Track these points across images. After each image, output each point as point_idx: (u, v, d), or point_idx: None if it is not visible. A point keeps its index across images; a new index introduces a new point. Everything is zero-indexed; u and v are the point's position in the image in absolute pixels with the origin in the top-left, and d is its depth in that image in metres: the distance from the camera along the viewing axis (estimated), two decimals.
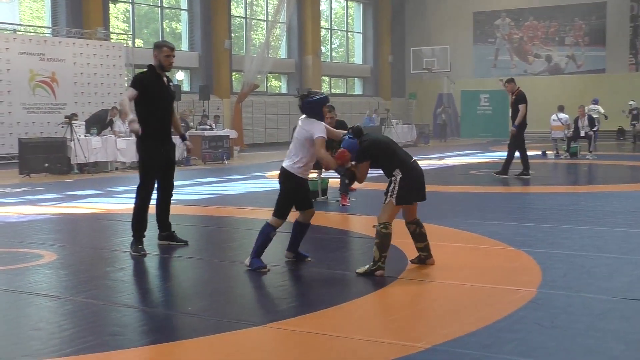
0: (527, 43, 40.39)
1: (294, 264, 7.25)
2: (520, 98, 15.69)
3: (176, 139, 8.44)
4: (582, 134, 22.21)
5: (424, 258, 7.02)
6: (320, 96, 6.94)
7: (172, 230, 8.38)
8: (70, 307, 5.82)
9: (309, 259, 7.33)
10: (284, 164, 6.99)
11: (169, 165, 8.22)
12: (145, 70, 8.25)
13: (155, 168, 8.02)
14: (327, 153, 6.84)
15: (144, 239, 7.89)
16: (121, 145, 19.71)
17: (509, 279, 6.43)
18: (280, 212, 7.04)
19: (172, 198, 8.40)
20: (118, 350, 4.74)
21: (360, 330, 5.04)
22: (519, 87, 15.95)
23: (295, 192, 7.03)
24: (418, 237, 7.00)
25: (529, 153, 16.24)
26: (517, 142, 15.65)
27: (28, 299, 6.00)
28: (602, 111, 25.51)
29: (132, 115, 7.72)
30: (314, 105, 6.90)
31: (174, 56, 8.12)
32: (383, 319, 5.35)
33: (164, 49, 8.07)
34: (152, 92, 7.90)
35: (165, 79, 8.12)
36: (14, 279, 6.77)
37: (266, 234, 7.03)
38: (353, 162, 6.90)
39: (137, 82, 7.95)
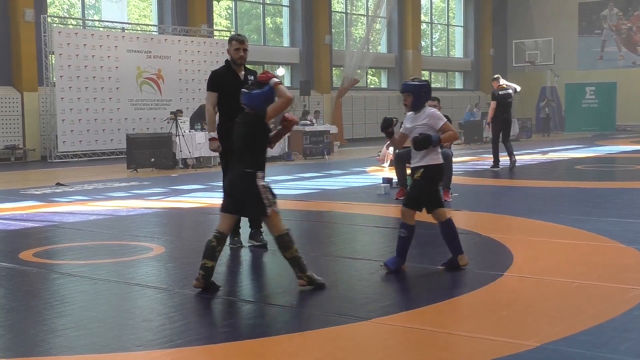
0: (636, 33, 39.05)
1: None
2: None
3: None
4: None
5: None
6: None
7: (260, 229, 8.02)
8: (179, 299, 5.96)
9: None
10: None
11: None
12: (222, 66, 8.11)
13: (224, 163, 7.92)
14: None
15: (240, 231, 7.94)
16: None
17: (620, 277, 6.24)
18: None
19: None
20: (226, 343, 4.83)
21: (466, 326, 4.98)
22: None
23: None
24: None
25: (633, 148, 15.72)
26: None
27: (139, 291, 6.18)
28: None
29: (212, 133, 7.84)
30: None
31: (244, 49, 7.79)
32: (489, 315, 5.27)
33: (232, 42, 7.86)
34: (225, 88, 7.80)
35: (242, 72, 7.88)
36: (125, 271, 6.98)
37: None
38: None
39: (212, 82, 7.92)
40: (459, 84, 40.79)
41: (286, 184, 14.59)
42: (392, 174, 12.78)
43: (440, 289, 6.14)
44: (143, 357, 4.54)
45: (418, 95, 6.72)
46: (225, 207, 6.15)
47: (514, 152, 16.30)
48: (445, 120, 6.83)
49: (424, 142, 6.56)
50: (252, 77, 7.80)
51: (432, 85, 34.30)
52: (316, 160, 21.50)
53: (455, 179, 12.03)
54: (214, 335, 4.97)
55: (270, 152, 21.24)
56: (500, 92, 16.45)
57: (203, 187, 14.26)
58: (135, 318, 5.43)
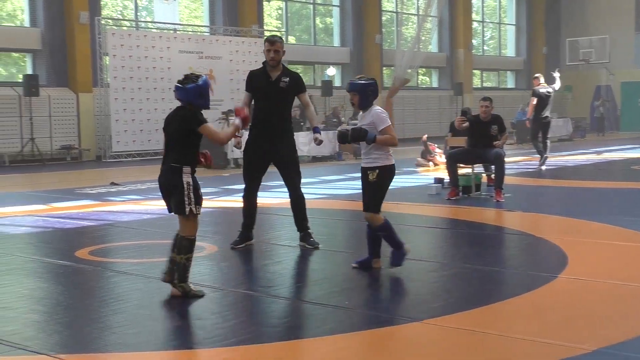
0: None
1: (450, 259, 7.17)
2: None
3: (298, 135, 8.18)
4: None
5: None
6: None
7: (308, 230, 7.99)
8: (232, 298, 6.01)
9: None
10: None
11: (281, 165, 7.95)
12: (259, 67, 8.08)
13: (253, 165, 7.93)
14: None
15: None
16: None
17: None
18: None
19: (301, 198, 7.99)
20: (278, 342, 4.85)
21: (520, 329, 4.93)
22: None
23: None
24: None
25: None
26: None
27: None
28: None
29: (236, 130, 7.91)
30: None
31: (275, 50, 7.72)
32: (544, 318, 5.20)
33: (265, 44, 7.87)
34: (257, 89, 7.85)
35: (277, 74, 7.81)
36: None
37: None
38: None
39: (246, 82, 7.99)
40: (510, 83, 40.36)
41: (337, 184, 14.60)
42: (444, 174, 12.69)
43: (492, 291, 6.09)
44: (196, 356, 4.60)
45: (365, 94, 6.66)
46: (168, 208, 6.06)
47: (546, 152, 16.42)
48: (389, 124, 6.65)
49: (357, 134, 6.55)
50: (287, 79, 7.74)
51: (484, 85, 33.84)
52: None
53: (507, 179, 11.91)
54: (266, 335, 5.00)
55: (321, 152, 21.41)
56: (541, 90, 16.59)
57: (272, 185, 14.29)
58: (188, 317, 5.49)
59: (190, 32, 25.54)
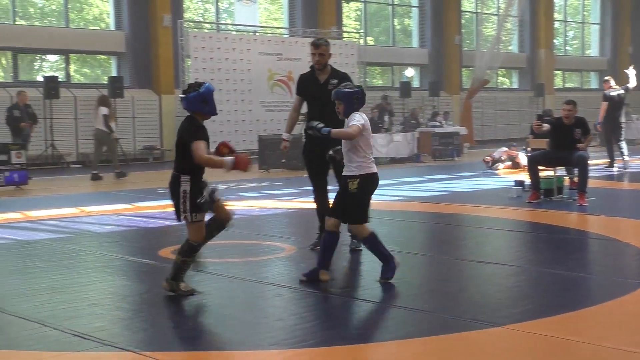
0: None
1: (530, 264, 7.08)
2: None
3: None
4: None
5: None
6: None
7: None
8: (312, 299, 6.05)
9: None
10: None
11: (335, 166, 7.77)
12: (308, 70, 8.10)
13: (314, 167, 7.89)
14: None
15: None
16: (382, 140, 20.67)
17: None
18: None
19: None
20: (358, 344, 4.87)
21: (607, 337, 4.81)
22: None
23: None
24: None
25: None
26: None
27: (272, 290, 6.30)
28: None
29: (285, 135, 8.07)
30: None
31: (320, 54, 7.70)
32: (632, 326, 5.08)
33: (310, 47, 7.84)
34: (306, 92, 7.93)
35: (325, 76, 7.80)
36: (260, 270, 7.14)
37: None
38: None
39: (297, 87, 8.09)
40: (594, 84, 39.43)
41: (415, 186, 14.55)
42: (525, 177, 12.50)
43: (576, 297, 5.98)
44: (277, 356, 4.64)
45: (350, 102, 6.51)
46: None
47: (625, 154, 16.55)
48: (358, 124, 6.39)
49: (312, 127, 6.56)
50: (335, 81, 7.68)
51: (566, 86, 33.04)
52: (445, 161, 21.31)
53: (591, 182, 11.66)
54: (345, 337, 5.02)
55: (400, 153, 21.27)
56: (610, 93, 16.70)
57: (334, 188, 14.35)
58: (269, 317, 5.55)
59: (269, 34, 25.77)
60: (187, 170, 5.88)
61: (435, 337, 4.91)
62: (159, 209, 11.55)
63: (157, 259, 7.57)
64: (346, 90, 6.59)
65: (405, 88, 26.48)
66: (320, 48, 7.74)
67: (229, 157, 5.91)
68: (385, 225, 8.43)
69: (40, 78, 21.83)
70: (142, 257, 7.71)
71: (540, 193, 11.56)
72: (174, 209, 5.97)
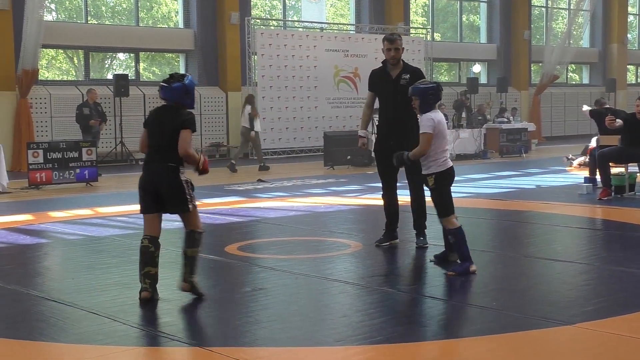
0: None
1: (602, 262, 6.93)
2: None
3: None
4: None
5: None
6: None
7: (424, 230, 7.87)
8: (378, 296, 6.02)
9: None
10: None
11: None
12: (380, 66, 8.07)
13: (384, 163, 7.78)
14: None
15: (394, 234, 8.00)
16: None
17: None
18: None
19: (421, 198, 7.80)
20: (424, 342, 4.83)
21: None
22: None
23: None
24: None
25: None
26: None
27: (338, 287, 6.28)
28: None
29: (361, 132, 8.02)
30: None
31: (394, 49, 7.68)
32: None
33: (384, 42, 7.81)
34: (379, 87, 7.89)
35: (397, 72, 7.74)
36: (325, 267, 7.13)
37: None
38: None
39: (368, 82, 8.06)
40: None
41: (482, 182, 14.38)
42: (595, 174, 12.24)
43: None
44: (343, 353, 4.62)
45: (425, 98, 6.64)
46: (145, 208, 5.91)
47: None
48: (426, 131, 6.60)
49: (398, 160, 6.86)
50: (407, 76, 7.64)
51: (639, 81, 32.28)
52: (513, 158, 21.01)
53: None
54: (412, 333, 4.98)
55: (465, 150, 21.11)
56: None
57: (399, 185, 14.28)
58: (334, 313, 5.54)
59: (336, 31, 25.76)
60: (181, 161, 5.81)
61: (505, 335, 4.83)
62: (226, 206, 11.65)
63: (223, 255, 7.64)
64: (421, 86, 6.75)
65: (473, 84, 26.18)
66: (395, 43, 7.74)
67: (201, 156, 5.90)
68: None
69: (110, 76, 22.25)
70: (208, 254, 7.76)
71: (611, 190, 11.32)
72: (167, 202, 5.83)
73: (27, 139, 17.69)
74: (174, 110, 5.86)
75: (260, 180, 15.30)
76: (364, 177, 16.07)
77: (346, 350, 4.64)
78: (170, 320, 5.33)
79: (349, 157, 18.60)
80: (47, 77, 22.02)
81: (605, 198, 11.15)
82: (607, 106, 13.95)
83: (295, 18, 26.51)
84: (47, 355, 4.80)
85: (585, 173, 13.18)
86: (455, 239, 6.64)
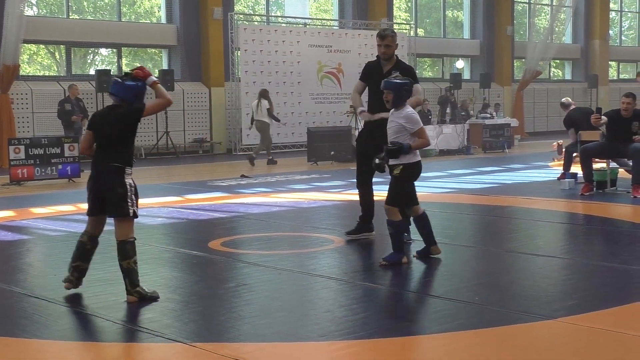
0: None
1: (583, 257, 6.97)
2: None
3: (427, 128, 8.25)
4: None
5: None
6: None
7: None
8: (361, 291, 6.03)
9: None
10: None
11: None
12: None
13: (363, 155, 7.92)
14: None
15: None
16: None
17: None
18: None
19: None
20: (407, 337, 4.84)
21: None
22: None
23: None
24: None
25: None
26: None
27: (322, 282, 6.29)
28: None
29: (360, 107, 8.14)
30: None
31: (386, 45, 7.76)
32: None
33: (376, 39, 7.91)
34: (370, 79, 7.96)
35: (389, 67, 7.79)
36: (308, 262, 7.13)
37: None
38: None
39: (362, 72, 8.19)
40: None
41: (465, 178, 14.42)
42: (577, 169, 12.32)
43: (630, 290, 5.85)
44: (326, 348, 4.63)
45: (399, 93, 6.78)
46: (91, 211, 5.82)
47: None
48: (421, 125, 6.84)
49: (397, 152, 6.69)
50: (397, 72, 7.58)
51: (621, 77, 32.38)
52: (496, 154, 21.09)
53: None
54: (395, 329, 4.99)
55: (448, 145, 21.17)
56: None
57: (381, 181, 14.31)
58: (317, 308, 5.54)
59: (319, 26, 25.75)
60: (129, 161, 5.73)
61: (487, 330, 4.85)
62: (209, 201, 11.64)
63: (206, 251, 7.62)
64: (396, 81, 6.84)
65: (456, 79, 26.25)
66: (386, 39, 7.80)
67: (153, 78, 5.85)
68: (435, 217, 8.34)
69: (92, 72, 22.14)
70: (191, 249, 7.77)
71: (593, 185, 11.39)
72: (99, 204, 5.71)
73: (9, 135, 17.55)
74: (120, 109, 5.78)
75: (243, 176, 15.28)
76: (347, 173, 16.06)
77: (330, 346, 4.64)
78: (153, 317, 5.31)
79: (332, 152, 18.61)
80: (29, 73, 21.90)
81: (587, 193, 11.22)
82: (573, 107, 14.17)
83: (278, 13, 26.48)
84: (30, 352, 4.78)
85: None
86: (394, 231, 6.79)
